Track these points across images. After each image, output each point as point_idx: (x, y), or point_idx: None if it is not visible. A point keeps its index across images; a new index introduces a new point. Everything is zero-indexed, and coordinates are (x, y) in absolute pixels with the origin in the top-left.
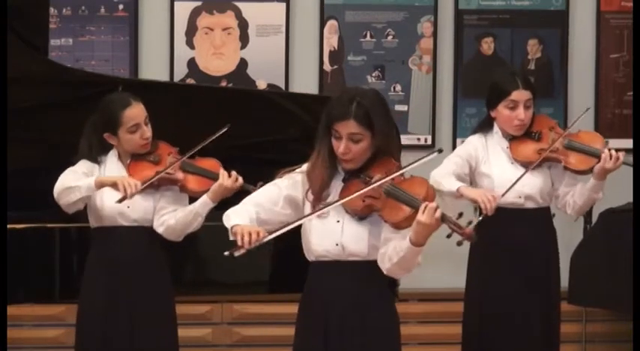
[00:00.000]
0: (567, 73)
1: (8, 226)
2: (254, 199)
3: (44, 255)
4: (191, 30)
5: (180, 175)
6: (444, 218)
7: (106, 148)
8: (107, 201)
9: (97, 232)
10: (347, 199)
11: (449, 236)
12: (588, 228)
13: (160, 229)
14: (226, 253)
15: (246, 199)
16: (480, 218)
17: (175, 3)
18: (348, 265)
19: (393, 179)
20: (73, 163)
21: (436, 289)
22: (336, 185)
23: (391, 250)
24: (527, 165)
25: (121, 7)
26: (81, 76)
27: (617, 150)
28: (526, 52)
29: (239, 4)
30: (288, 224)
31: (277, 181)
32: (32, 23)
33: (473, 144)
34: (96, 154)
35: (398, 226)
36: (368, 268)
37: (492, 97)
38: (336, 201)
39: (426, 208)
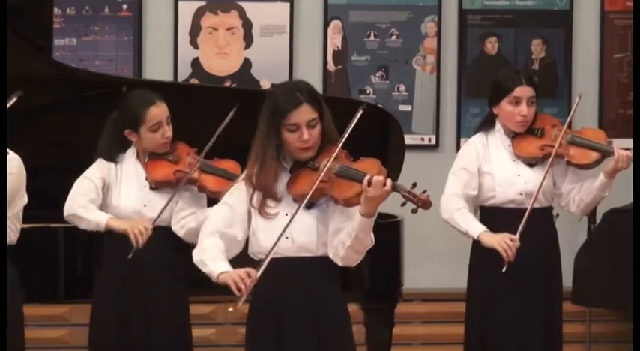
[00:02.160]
0: (571, 73)
1: None
2: (213, 227)
3: (49, 255)
4: (195, 30)
5: (198, 175)
6: (396, 188)
7: (125, 146)
8: (124, 200)
9: (112, 232)
10: (313, 188)
11: (403, 205)
12: (592, 228)
13: (180, 232)
14: (230, 309)
15: (205, 230)
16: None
17: (179, 3)
18: (298, 261)
19: (342, 162)
20: (90, 161)
21: (440, 289)
22: (283, 179)
23: (343, 235)
24: (530, 162)
25: (124, 7)
26: (85, 76)
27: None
28: (530, 52)
29: (243, 4)
30: (274, 245)
31: (225, 200)
32: (36, 23)
33: (474, 146)
34: (114, 153)
35: (349, 202)
36: (318, 265)
37: (495, 93)
38: (307, 195)
39: (372, 181)
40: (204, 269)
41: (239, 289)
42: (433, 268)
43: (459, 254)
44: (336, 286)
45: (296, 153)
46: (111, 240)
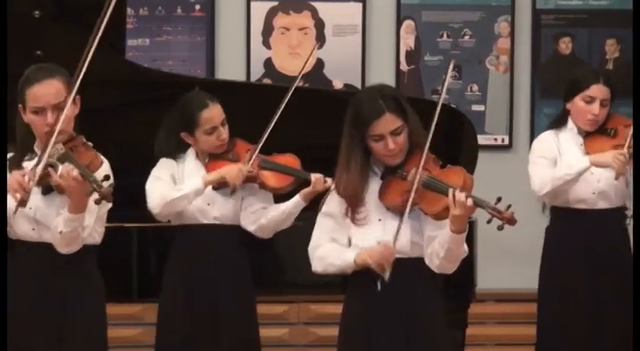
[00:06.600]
0: None
1: None
2: (320, 241)
3: (122, 255)
4: (267, 30)
5: (258, 172)
6: (480, 204)
7: (184, 146)
8: None
9: (178, 231)
10: (408, 209)
11: (489, 222)
12: None
13: (251, 228)
14: (379, 287)
15: (313, 245)
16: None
17: (252, 3)
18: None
19: (430, 171)
20: (153, 161)
21: (514, 290)
22: (373, 185)
23: (437, 246)
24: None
25: (197, 7)
26: (158, 76)
27: None
28: (604, 52)
29: (315, 4)
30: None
31: (323, 210)
32: (109, 23)
33: (547, 142)
34: (175, 153)
35: (438, 216)
36: (412, 265)
37: (571, 88)
38: (402, 208)
39: (455, 199)
40: (334, 271)
41: (381, 267)
42: (507, 268)
43: (533, 254)
44: (429, 286)
45: (383, 160)
46: (176, 238)
